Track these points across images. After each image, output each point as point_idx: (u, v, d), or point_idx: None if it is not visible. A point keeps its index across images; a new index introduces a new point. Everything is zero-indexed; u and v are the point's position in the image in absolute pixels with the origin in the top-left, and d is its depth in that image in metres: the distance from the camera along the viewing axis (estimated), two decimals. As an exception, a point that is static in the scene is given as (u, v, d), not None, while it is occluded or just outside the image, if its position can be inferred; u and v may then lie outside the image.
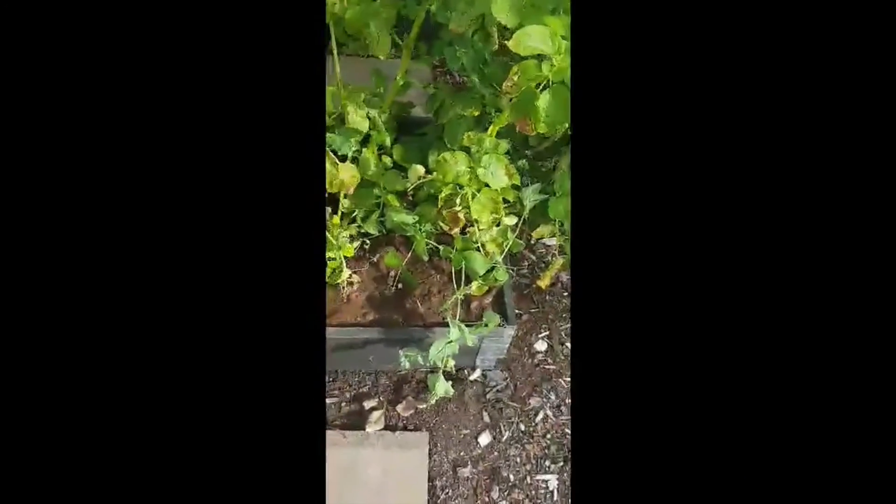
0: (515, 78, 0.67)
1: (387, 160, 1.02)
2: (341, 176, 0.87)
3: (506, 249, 0.97)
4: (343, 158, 0.90)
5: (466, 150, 0.89)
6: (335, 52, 0.89)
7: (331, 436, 0.97)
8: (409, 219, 1.00)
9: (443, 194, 0.90)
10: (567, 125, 0.73)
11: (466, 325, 0.88)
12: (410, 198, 1.08)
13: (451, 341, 0.87)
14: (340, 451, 0.96)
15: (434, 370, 0.91)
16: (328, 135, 0.88)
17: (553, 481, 0.97)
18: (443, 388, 0.88)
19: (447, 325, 0.94)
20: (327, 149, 0.87)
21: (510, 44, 0.63)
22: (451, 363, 0.89)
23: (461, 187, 0.88)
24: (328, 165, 0.87)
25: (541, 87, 0.68)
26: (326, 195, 1.00)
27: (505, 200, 0.93)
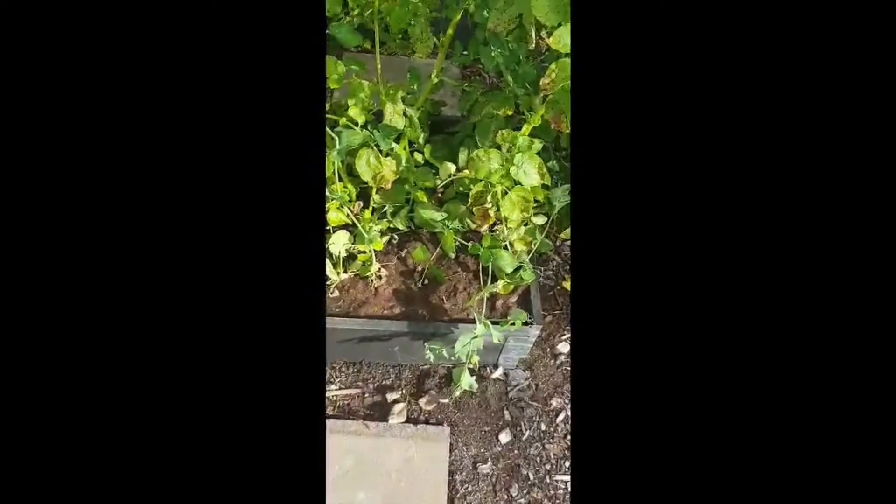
0: (553, 76, 0.68)
1: (418, 157, 1.04)
2: (384, 171, 0.89)
3: (533, 249, 0.97)
4: (385, 154, 0.92)
5: (497, 148, 0.90)
6: (377, 50, 0.91)
7: (354, 425, 0.99)
8: (438, 215, 1.01)
9: (474, 191, 0.91)
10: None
11: (492, 323, 0.88)
12: (439, 195, 1.10)
13: (476, 336, 0.88)
14: (363, 441, 0.97)
15: (458, 365, 0.92)
16: (368, 131, 0.90)
17: (573, 483, 0.97)
18: (467, 381, 0.89)
19: (472, 321, 0.95)
20: (371, 144, 0.89)
21: (550, 41, 0.64)
22: (476, 359, 0.90)
23: (492, 185, 0.89)
24: (372, 159, 0.89)
25: (577, 85, 0.69)
26: (359, 189, 1.03)
27: (535, 200, 0.93)
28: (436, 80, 0.98)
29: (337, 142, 0.91)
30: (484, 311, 0.93)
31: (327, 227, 0.98)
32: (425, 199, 1.04)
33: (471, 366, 0.91)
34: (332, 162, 0.95)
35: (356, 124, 0.93)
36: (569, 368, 1.10)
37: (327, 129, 0.95)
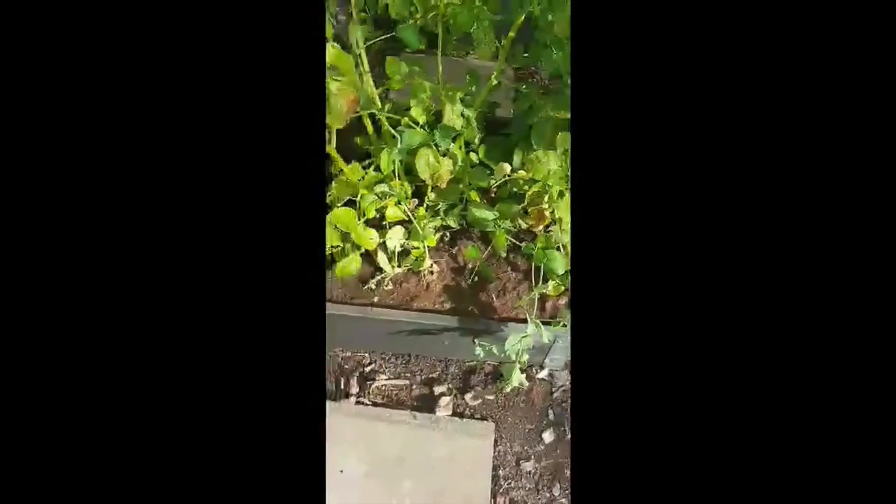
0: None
1: (473, 157, 1.06)
2: (442, 170, 0.92)
3: (585, 251, 0.97)
4: (442, 154, 0.95)
5: (554, 149, 0.91)
6: (440, 52, 0.94)
7: (401, 415, 1.02)
8: (490, 215, 1.03)
9: (530, 191, 0.93)
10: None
11: (542, 323, 0.90)
12: (492, 195, 1.11)
13: (526, 335, 0.89)
14: (410, 431, 1.00)
15: (507, 362, 0.94)
16: (427, 131, 0.93)
17: (617, 487, 0.96)
18: (518, 378, 0.90)
19: (522, 320, 0.96)
20: (431, 143, 0.92)
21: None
22: (525, 358, 0.91)
23: (549, 186, 0.90)
24: (432, 159, 0.92)
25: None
26: (413, 187, 1.06)
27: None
28: (495, 83, 0.99)
29: (399, 141, 0.94)
30: (535, 311, 0.95)
31: (384, 223, 1.02)
32: (478, 199, 1.06)
33: (520, 364, 0.92)
34: (392, 160, 0.98)
35: (417, 124, 0.96)
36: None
37: (389, 127, 0.98)
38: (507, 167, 1.02)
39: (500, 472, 0.98)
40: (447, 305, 1.02)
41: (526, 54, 0.98)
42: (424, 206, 1.05)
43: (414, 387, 1.07)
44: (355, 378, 1.07)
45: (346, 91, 0.75)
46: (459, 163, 1.00)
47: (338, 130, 0.90)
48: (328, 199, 1.02)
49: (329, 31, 0.84)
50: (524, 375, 0.92)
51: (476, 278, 1.05)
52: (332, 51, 0.80)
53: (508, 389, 0.97)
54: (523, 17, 0.89)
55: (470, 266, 1.06)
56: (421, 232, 1.00)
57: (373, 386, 1.07)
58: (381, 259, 1.01)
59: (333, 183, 1.02)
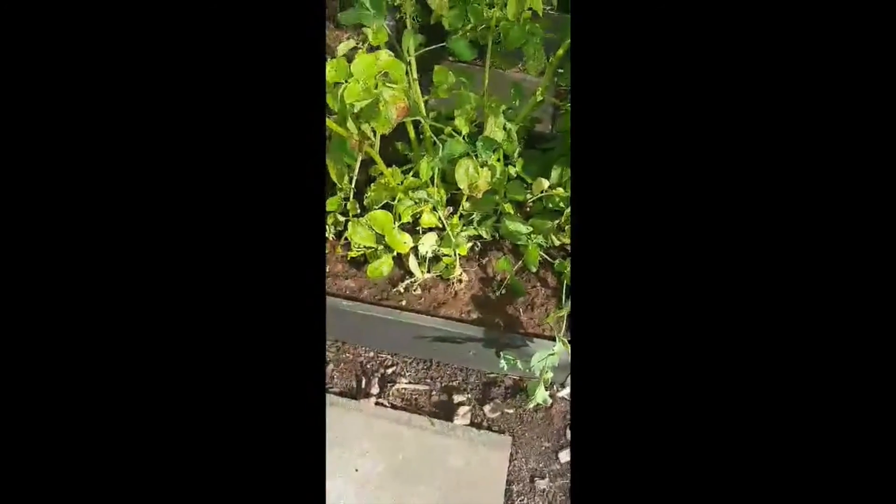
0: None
1: (511, 170, 1.07)
2: (480, 180, 0.93)
3: (617, 273, 0.97)
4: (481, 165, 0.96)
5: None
6: (487, 64, 0.95)
7: (419, 420, 1.03)
8: (524, 229, 1.03)
9: (567, 209, 0.93)
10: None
11: (570, 342, 0.89)
12: (527, 209, 1.12)
13: (553, 353, 0.89)
14: (427, 437, 1.01)
15: (531, 378, 0.94)
16: (468, 141, 0.94)
17: (632, 515, 0.95)
18: (542, 395, 0.90)
19: (546, 337, 0.96)
20: (472, 154, 0.93)
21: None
22: (550, 375, 0.91)
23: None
24: (471, 169, 0.93)
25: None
26: (449, 195, 1.07)
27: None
28: (540, 98, 1.00)
29: (441, 149, 0.95)
30: (563, 329, 0.94)
31: (418, 228, 1.03)
32: (512, 212, 1.06)
33: (544, 382, 0.92)
34: (432, 168, 0.99)
35: (459, 134, 0.97)
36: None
37: (432, 135, 1.00)
38: (545, 182, 1.02)
39: (514, 487, 0.97)
40: (473, 315, 1.02)
41: (573, 72, 0.98)
42: (458, 214, 1.06)
43: (433, 393, 1.07)
44: (376, 379, 1.08)
45: (398, 98, 0.76)
46: (497, 175, 1.01)
47: (381, 135, 0.92)
48: (365, 202, 1.04)
49: (383, 38, 0.86)
50: (548, 393, 0.92)
51: (504, 291, 1.05)
52: (385, 57, 0.82)
53: (531, 405, 0.97)
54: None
55: (499, 278, 1.06)
56: (453, 240, 1.01)
57: (393, 388, 1.07)
58: (412, 263, 1.02)
59: (372, 185, 1.04)
